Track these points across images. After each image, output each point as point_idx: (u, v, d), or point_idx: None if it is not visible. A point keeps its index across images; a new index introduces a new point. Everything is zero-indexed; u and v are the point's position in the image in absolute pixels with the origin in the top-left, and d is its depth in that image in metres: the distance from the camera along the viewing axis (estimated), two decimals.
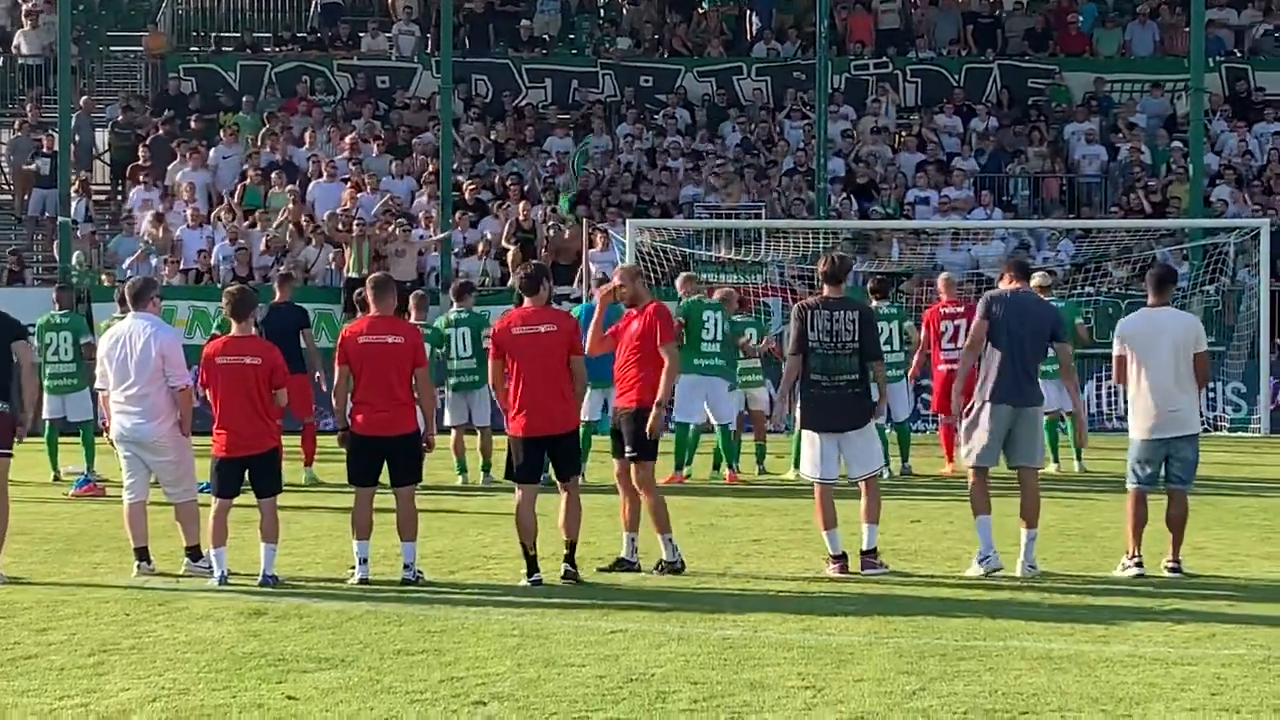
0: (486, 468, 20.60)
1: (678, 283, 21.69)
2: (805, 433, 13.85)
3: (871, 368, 13.70)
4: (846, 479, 14.07)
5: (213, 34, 39.80)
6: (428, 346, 20.59)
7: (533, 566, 13.20)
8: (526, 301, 13.51)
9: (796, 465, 21.01)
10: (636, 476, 13.82)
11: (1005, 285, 14.09)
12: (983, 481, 13.79)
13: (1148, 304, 13.94)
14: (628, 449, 13.71)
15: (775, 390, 24.28)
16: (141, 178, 33.21)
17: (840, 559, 13.62)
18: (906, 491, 18.95)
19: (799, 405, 13.94)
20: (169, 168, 33.46)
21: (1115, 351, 13.78)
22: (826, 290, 13.88)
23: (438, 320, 21.48)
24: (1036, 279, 21.75)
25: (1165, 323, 13.79)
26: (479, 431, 20.86)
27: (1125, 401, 14.28)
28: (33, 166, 33.75)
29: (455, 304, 21.24)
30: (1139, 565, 13.54)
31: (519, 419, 13.22)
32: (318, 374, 20.19)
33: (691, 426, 20.67)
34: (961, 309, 20.94)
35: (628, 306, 14.06)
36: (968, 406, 13.90)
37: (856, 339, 13.58)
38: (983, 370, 13.83)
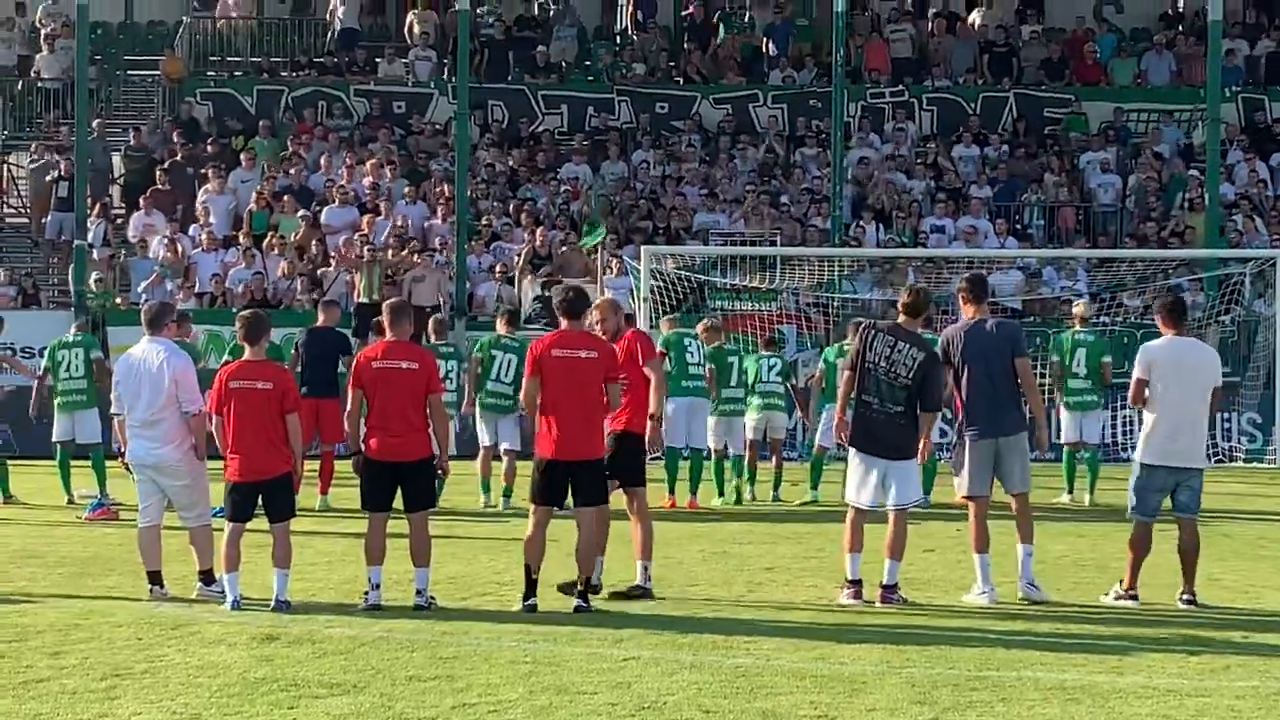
0: (508, 493, 20.54)
1: (699, 328, 21.97)
2: (851, 455, 13.83)
3: (922, 416, 13.57)
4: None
5: (229, 58, 39.93)
6: (452, 364, 21.02)
7: (530, 590, 13.19)
8: (565, 324, 13.50)
9: (814, 488, 21.23)
10: (630, 505, 13.91)
11: (967, 313, 14.01)
12: (981, 513, 13.75)
13: (1171, 333, 13.87)
14: (614, 479, 13.76)
15: (789, 419, 24.46)
16: (141, 202, 33.22)
17: (855, 584, 13.59)
18: (921, 520, 18.89)
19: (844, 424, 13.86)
20: (198, 193, 33.55)
21: (1138, 375, 13.73)
22: (902, 319, 13.87)
23: (481, 339, 21.60)
24: (1079, 307, 21.83)
25: (1193, 354, 13.87)
26: (504, 456, 20.77)
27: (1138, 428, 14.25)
28: (50, 188, 33.92)
29: (503, 329, 21.19)
30: (1134, 599, 13.58)
31: (547, 441, 13.24)
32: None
33: (682, 451, 20.86)
34: None
35: (609, 339, 14.10)
36: (951, 441, 13.93)
37: (911, 378, 13.45)
38: (962, 407, 13.82)
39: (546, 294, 30.01)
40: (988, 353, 13.70)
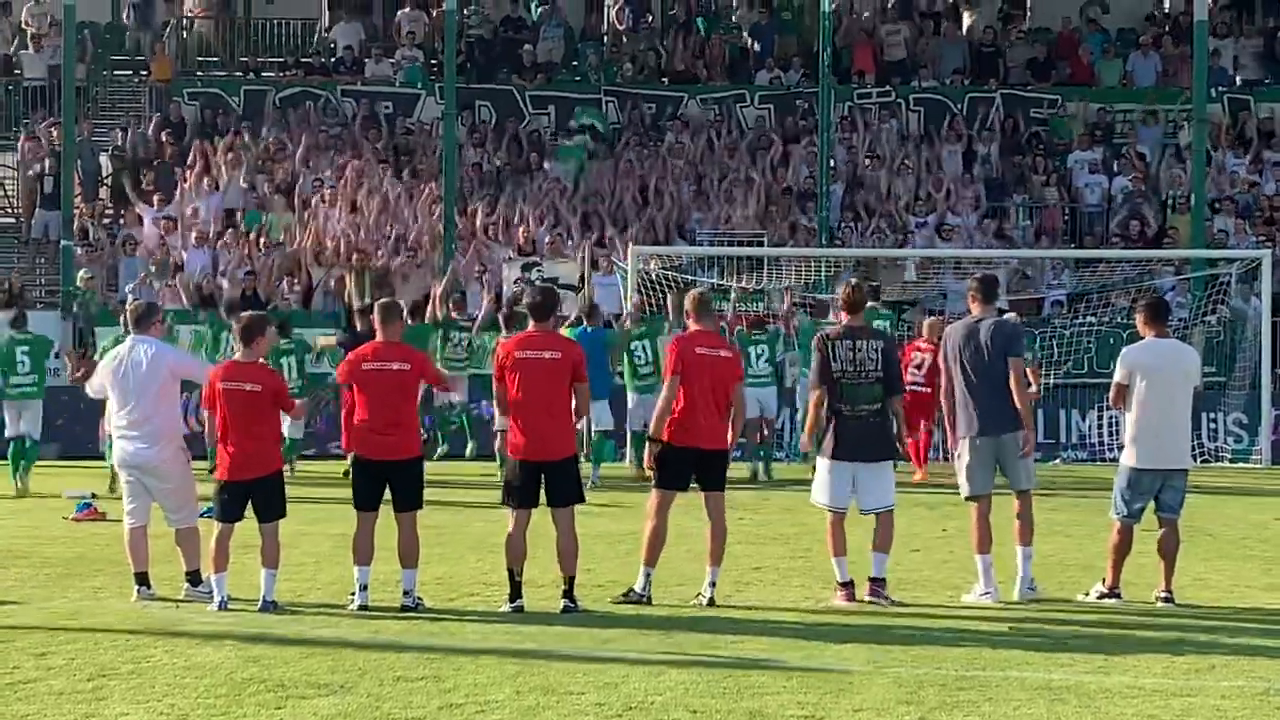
0: None
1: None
2: (820, 462, 13.82)
3: (891, 402, 13.62)
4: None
5: (216, 58, 39.88)
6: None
7: (516, 593, 13.20)
8: (532, 325, 13.52)
9: None
10: (706, 505, 14.00)
11: (974, 310, 14.02)
12: (983, 515, 13.77)
13: (1151, 335, 13.91)
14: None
15: (775, 405, 24.73)
16: (147, 200, 33.22)
17: (847, 586, 13.61)
18: (906, 520, 18.91)
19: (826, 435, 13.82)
20: (176, 192, 33.49)
21: (1118, 379, 13.77)
22: (846, 319, 13.87)
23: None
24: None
25: (1177, 355, 13.95)
26: None
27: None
28: (37, 187, 33.92)
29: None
30: (1117, 597, 13.64)
31: (516, 442, 13.25)
32: None
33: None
34: (934, 347, 21.36)
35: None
36: (951, 442, 13.96)
37: (880, 369, 13.53)
38: (958, 406, 13.84)
39: (528, 275, 30.12)
40: (984, 352, 13.70)
